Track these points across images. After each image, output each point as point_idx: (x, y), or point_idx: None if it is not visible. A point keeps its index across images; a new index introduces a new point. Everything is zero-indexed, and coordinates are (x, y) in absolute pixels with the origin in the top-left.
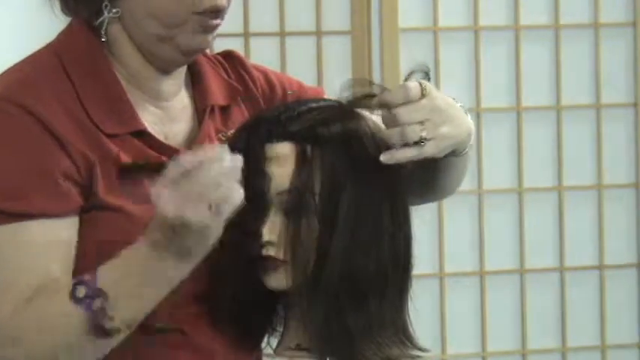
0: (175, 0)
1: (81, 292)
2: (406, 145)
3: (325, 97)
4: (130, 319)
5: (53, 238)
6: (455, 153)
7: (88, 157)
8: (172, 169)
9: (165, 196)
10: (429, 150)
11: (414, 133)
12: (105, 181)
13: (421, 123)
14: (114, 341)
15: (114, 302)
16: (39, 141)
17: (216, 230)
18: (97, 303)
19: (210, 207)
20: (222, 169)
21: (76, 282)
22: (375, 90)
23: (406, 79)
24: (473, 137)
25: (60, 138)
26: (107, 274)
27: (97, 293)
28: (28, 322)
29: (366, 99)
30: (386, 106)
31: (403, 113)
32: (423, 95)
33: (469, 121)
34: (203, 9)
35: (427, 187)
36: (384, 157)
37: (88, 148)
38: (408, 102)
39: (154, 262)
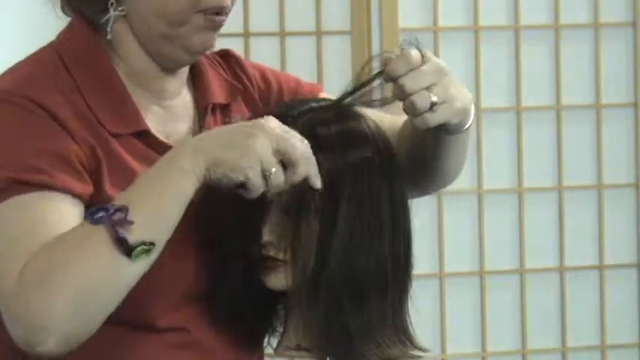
0: None
1: (99, 213)
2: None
3: (324, 94)
4: (151, 235)
5: (76, 216)
6: (460, 125)
7: (95, 150)
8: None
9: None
10: (444, 114)
11: (423, 99)
12: (110, 178)
13: (428, 89)
14: (135, 270)
15: (134, 212)
16: (51, 128)
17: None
18: (118, 215)
19: (265, 173)
20: (307, 152)
21: (91, 210)
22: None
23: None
24: (474, 109)
25: (69, 129)
26: (124, 195)
27: (117, 208)
28: (52, 255)
29: (364, 96)
30: (392, 80)
31: (408, 82)
32: (423, 61)
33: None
34: (208, 8)
35: (430, 172)
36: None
37: (95, 143)
38: (410, 70)
39: (177, 178)
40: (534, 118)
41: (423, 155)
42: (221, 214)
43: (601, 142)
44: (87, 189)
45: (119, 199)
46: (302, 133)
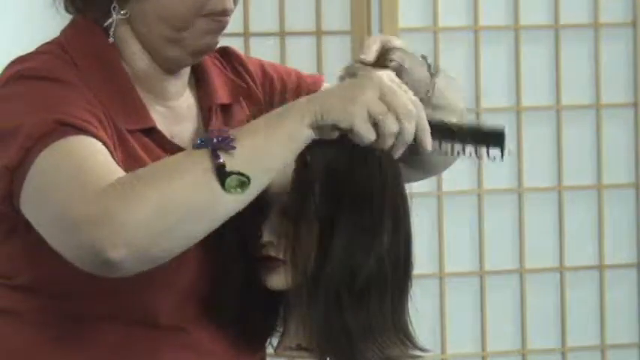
0: (184, 2)
1: (203, 142)
2: None
3: (326, 85)
4: (249, 169)
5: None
6: None
7: (112, 135)
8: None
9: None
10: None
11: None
12: (124, 166)
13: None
14: (225, 201)
15: (238, 143)
16: (84, 95)
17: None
18: (219, 139)
19: (374, 120)
20: (413, 108)
21: (198, 140)
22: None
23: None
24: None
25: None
26: (233, 131)
27: (223, 137)
28: (142, 172)
29: None
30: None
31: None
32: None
33: None
34: (212, 11)
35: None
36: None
37: (112, 129)
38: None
39: (287, 124)
40: (534, 118)
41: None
42: None
43: (601, 142)
44: (116, 156)
45: (227, 130)
46: None
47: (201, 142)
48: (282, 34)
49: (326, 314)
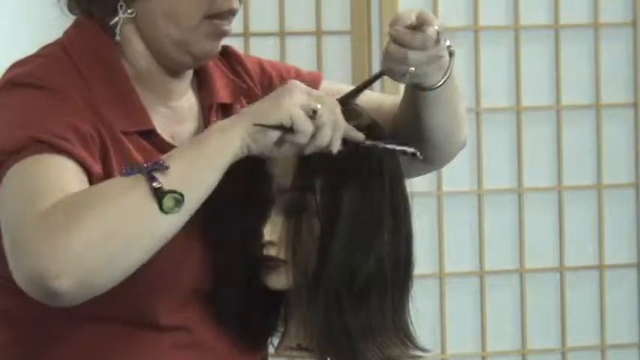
0: (192, 2)
1: (133, 170)
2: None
3: (325, 82)
4: (184, 187)
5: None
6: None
7: (105, 141)
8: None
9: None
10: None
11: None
12: (118, 168)
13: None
14: (163, 224)
15: (170, 162)
16: (71, 107)
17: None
18: (152, 166)
19: (308, 114)
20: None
21: (125, 169)
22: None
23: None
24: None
25: (84, 113)
26: (162, 156)
27: (154, 162)
28: (81, 197)
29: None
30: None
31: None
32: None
33: None
34: (219, 11)
35: (421, 134)
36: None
37: (106, 135)
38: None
39: (218, 138)
40: (534, 118)
41: (412, 119)
42: (223, 215)
43: (601, 142)
44: (99, 170)
45: (160, 157)
46: None
47: (132, 169)
48: (282, 34)
49: (326, 314)
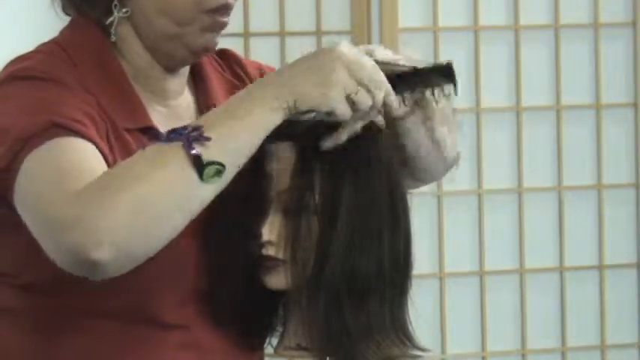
0: None
1: (171, 134)
2: None
3: None
4: (224, 157)
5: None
6: None
7: (108, 133)
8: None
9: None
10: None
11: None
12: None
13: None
14: (203, 193)
15: (211, 132)
16: (78, 95)
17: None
18: (194, 133)
19: (349, 98)
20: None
21: (165, 134)
22: None
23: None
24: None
25: (90, 103)
26: (201, 118)
27: (193, 127)
28: (118, 169)
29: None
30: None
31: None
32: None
33: None
34: (214, 6)
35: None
36: None
37: (109, 128)
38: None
39: (261, 112)
40: (534, 118)
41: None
42: (222, 214)
43: (601, 142)
44: (109, 157)
45: (195, 120)
46: (304, 134)
47: (174, 134)
48: (282, 34)
49: (326, 314)
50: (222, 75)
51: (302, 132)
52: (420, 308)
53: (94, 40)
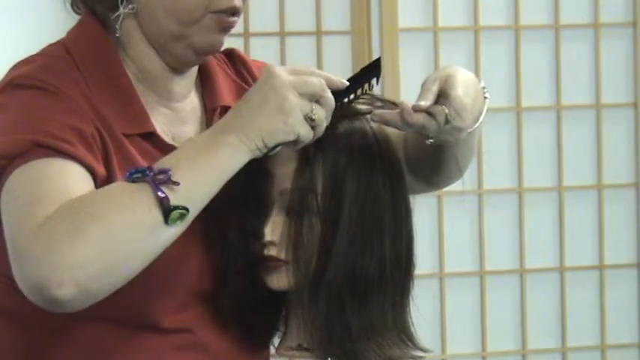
0: None
1: (137, 174)
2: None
3: None
4: (189, 201)
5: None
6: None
7: (105, 142)
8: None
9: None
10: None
11: (440, 113)
12: (121, 172)
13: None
14: (167, 235)
15: (178, 176)
16: (72, 107)
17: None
18: (161, 176)
19: (307, 118)
20: (320, 83)
21: (130, 170)
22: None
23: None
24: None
25: (86, 113)
26: (167, 160)
27: (160, 170)
28: (85, 202)
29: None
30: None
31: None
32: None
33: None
34: (220, 9)
35: (439, 172)
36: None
37: (107, 136)
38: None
39: (227, 154)
40: (534, 118)
41: (432, 159)
42: (224, 215)
43: (601, 142)
44: (102, 171)
45: (160, 162)
46: None
47: (137, 174)
48: (282, 34)
49: (327, 314)
50: (228, 75)
51: None
52: (420, 308)
53: (100, 43)
